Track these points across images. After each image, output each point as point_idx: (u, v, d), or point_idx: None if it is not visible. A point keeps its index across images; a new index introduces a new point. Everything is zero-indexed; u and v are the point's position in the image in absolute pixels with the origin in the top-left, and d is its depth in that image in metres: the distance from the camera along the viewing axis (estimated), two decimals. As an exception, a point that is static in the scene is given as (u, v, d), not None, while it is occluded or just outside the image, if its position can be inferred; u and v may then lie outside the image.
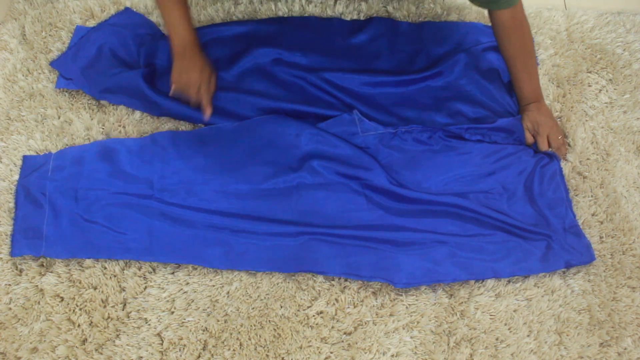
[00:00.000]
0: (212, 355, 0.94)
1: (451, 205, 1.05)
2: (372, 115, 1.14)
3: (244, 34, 1.23)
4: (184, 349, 0.95)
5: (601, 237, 1.06)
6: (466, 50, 1.21)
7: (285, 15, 1.28)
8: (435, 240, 1.02)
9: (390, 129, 1.12)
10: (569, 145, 1.15)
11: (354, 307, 0.98)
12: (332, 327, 0.97)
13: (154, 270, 1.01)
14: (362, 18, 1.29)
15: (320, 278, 1.00)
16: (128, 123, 1.14)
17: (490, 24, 1.14)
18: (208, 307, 0.98)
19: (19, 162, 1.09)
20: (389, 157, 1.10)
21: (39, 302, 0.97)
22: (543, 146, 1.13)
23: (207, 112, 1.10)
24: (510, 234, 1.03)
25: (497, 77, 1.19)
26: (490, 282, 1.00)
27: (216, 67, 1.17)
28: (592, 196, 1.10)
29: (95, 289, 0.99)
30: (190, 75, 1.07)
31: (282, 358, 0.95)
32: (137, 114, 1.15)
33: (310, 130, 1.10)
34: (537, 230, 1.03)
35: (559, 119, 1.18)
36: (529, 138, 1.13)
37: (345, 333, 0.97)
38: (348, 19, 1.28)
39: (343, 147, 1.09)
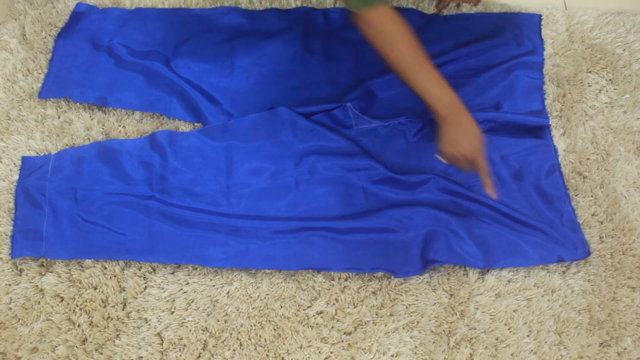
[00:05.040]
0: (212, 355, 0.94)
1: (447, 193, 1.05)
2: (365, 107, 1.14)
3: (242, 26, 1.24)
4: (184, 349, 0.95)
5: (601, 237, 1.06)
6: (471, 43, 1.21)
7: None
8: (431, 230, 1.02)
9: (384, 122, 1.12)
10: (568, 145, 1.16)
11: (354, 307, 0.99)
12: (332, 327, 0.97)
13: (154, 270, 1.01)
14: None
15: (320, 278, 1.00)
16: (128, 123, 1.14)
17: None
18: (208, 307, 0.98)
19: (19, 162, 1.09)
20: (383, 151, 1.10)
21: (39, 302, 0.97)
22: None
23: (491, 190, 0.95)
24: (504, 226, 1.03)
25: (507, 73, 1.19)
26: (490, 282, 1.00)
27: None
28: (592, 196, 1.10)
29: (95, 289, 0.99)
30: (463, 146, 0.93)
31: (282, 358, 0.95)
32: (137, 114, 1.16)
33: (306, 125, 1.10)
34: (531, 222, 1.03)
35: (559, 119, 1.18)
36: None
37: (345, 333, 0.97)
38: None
39: (339, 141, 1.09)
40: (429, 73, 0.94)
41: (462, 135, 0.94)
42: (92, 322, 0.96)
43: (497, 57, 1.20)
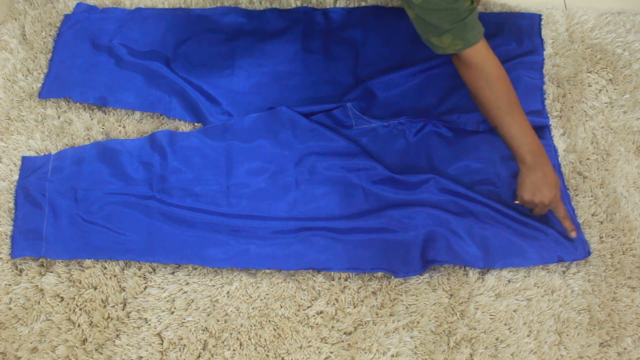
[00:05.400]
0: (212, 355, 0.94)
1: (447, 193, 1.05)
2: (365, 107, 1.14)
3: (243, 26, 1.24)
4: (184, 349, 0.95)
5: (601, 237, 1.06)
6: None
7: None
8: (431, 230, 1.02)
9: (384, 122, 1.12)
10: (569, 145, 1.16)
11: (354, 307, 0.99)
12: (332, 327, 0.97)
13: (154, 270, 1.01)
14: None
15: (320, 278, 1.01)
16: (128, 123, 1.14)
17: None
18: (208, 307, 0.98)
19: (19, 162, 1.09)
20: (383, 151, 1.10)
21: (39, 302, 0.97)
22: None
23: (574, 233, 1.01)
24: (504, 226, 1.03)
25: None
26: (490, 282, 1.00)
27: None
28: (592, 196, 1.10)
29: (95, 289, 0.99)
30: (543, 194, 0.96)
31: (282, 358, 0.95)
32: (137, 114, 1.16)
33: (306, 125, 1.10)
34: (531, 223, 1.03)
35: (559, 119, 1.18)
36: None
37: (345, 333, 0.97)
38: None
39: (339, 141, 1.09)
40: (518, 117, 0.95)
41: (543, 183, 0.96)
42: (92, 322, 0.96)
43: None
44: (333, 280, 1.01)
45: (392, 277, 1.01)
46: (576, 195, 1.10)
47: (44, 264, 1.01)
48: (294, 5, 1.29)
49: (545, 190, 0.96)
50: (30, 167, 1.07)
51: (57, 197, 1.03)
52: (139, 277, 1.00)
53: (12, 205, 1.05)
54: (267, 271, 1.01)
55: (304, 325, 0.97)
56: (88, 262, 1.00)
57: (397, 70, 1.17)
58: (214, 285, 1.00)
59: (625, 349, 0.97)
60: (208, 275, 1.00)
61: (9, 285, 0.99)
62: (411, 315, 0.98)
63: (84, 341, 0.95)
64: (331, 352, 0.95)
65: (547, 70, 1.23)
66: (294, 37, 1.23)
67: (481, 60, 0.92)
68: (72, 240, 1.00)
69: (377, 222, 1.03)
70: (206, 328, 0.96)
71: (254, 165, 1.08)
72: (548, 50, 1.25)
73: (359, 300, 0.99)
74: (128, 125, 1.14)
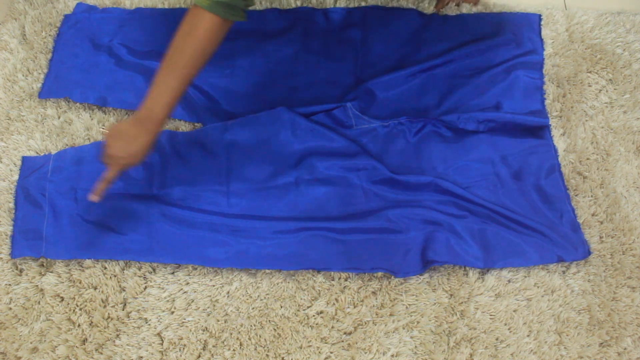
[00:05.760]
0: (212, 355, 0.94)
1: (447, 194, 1.06)
2: (365, 107, 1.14)
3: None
4: (184, 349, 0.95)
5: (601, 237, 1.06)
6: (472, 42, 1.21)
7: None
8: (431, 230, 1.02)
9: (384, 122, 1.12)
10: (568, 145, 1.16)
11: (354, 307, 0.99)
12: (332, 327, 0.97)
13: (154, 270, 1.01)
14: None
15: (320, 278, 1.01)
16: (128, 123, 1.14)
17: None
18: (208, 307, 0.98)
19: (19, 162, 1.09)
20: (382, 151, 1.11)
21: (39, 302, 0.97)
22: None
23: (95, 196, 0.91)
24: (504, 226, 1.03)
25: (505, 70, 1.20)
26: (490, 282, 1.00)
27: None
28: (592, 196, 1.10)
29: (95, 289, 0.99)
30: (126, 149, 0.88)
31: (282, 358, 0.95)
32: (137, 114, 1.16)
33: (306, 125, 1.10)
34: (531, 224, 1.03)
35: (559, 119, 1.18)
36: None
37: (345, 333, 0.97)
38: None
39: (339, 141, 1.10)
40: (171, 81, 0.87)
41: (125, 138, 0.87)
42: (92, 322, 0.96)
43: (496, 57, 1.20)
44: (333, 280, 1.01)
45: (392, 277, 1.01)
46: (576, 195, 1.10)
47: (44, 264, 1.01)
48: (294, 5, 1.29)
49: (119, 142, 0.87)
50: (30, 167, 1.07)
51: (57, 197, 1.03)
52: (139, 277, 1.00)
53: (12, 205, 1.05)
54: (267, 271, 1.01)
55: (304, 325, 0.97)
56: (88, 262, 1.00)
57: (397, 70, 1.17)
58: (214, 285, 1.00)
59: (625, 349, 0.97)
60: (208, 275, 1.00)
61: (9, 285, 0.99)
62: (411, 315, 0.98)
63: (84, 341, 0.95)
64: (331, 352, 0.95)
65: (547, 70, 1.23)
66: (294, 37, 1.23)
67: (203, 20, 0.85)
68: (72, 240, 1.00)
69: (377, 222, 1.03)
70: (206, 328, 0.96)
71: (254, 165, 1.08)
72: (548, 50, 1.25)
73: (359, 300, 0.99)
74: (128, 125, 1.14)
